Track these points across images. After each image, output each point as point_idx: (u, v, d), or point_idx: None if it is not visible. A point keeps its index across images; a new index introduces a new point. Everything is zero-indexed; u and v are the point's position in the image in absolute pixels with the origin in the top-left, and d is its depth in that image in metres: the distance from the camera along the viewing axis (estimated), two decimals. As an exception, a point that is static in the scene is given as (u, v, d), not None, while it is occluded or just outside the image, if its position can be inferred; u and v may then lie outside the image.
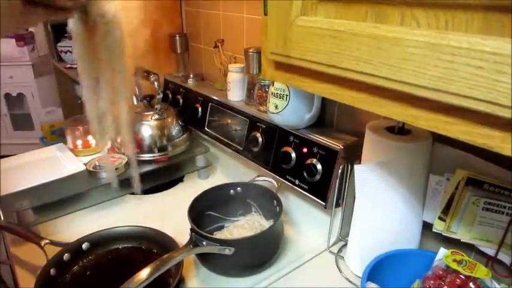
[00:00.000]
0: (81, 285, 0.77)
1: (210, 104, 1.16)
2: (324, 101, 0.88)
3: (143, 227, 0.85)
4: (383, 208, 0.71)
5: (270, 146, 0.94)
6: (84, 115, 0.61)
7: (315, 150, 0.82)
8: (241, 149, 1.03)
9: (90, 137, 1.20)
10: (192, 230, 0.78)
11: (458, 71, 0.33)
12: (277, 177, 0.92)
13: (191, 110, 1.22)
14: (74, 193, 0.99)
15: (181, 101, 1.29)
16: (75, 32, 0.55)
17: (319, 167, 0.82)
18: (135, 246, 0.85)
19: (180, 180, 1.19)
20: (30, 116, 3.20)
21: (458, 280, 0.60)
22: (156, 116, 1.13)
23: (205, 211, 0.91)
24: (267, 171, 0.95)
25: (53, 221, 0.97)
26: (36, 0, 0.46)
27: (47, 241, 0.82)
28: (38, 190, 0.96)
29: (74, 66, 1.91)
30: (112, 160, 1.06)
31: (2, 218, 0.90)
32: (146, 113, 1.14)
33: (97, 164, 1.06)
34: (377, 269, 0.66)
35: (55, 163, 1.09)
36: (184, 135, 1.18)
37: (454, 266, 0.60)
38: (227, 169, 1.21)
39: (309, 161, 0.83)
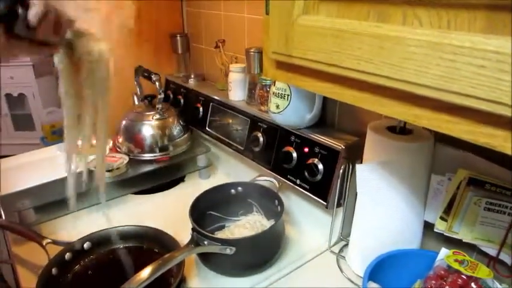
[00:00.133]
0: (82, 284, 0.77)
1: (211, 104, 1.16)
2: (325, 101, 0.88)
3: (144, 227, 0.86)
4: (384, 208, 0.71)
5: (271, 146, 0.94)
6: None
7: (316, 150, 0.82)
8: (242, 148, 1.04)
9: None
10: (193, 229, 0.78)
11: (461, 70, 0.33)
12: (279, 177, 0.92)
13: (192, 110, 1.22)
14: (75, 193, 0.99)
15: (182, 101, 1.29)
16: (60, 68, 0.53)
17: (320, 166, 0.82)
18: (137, 246, 0.85)
19: (181, 180, 1.19)
20: (31, 116, 3.20)
21: (460, 280, 0.59)
22: (157, 116, 1.13)
23: (207, 211, 0.91)
24: (268, 171, 0.95)
25: (55, 220, 0.97)
26: (20, 34, 0.45)
27: (49, 240, 0.82)
28: (39, 190, 0.96)
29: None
30: (113, 160, 1.06)
31: (4, 217, 0.90)
32: (147, 113, 1.14)
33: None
34: (378, 269, 0.66)
35: (56, 163, 1.09)
36: (186, 135, 1.18)
37: (456, 266, 0.60)
38: (228, 169, 1.21)
39: (310, 161, 0.83)
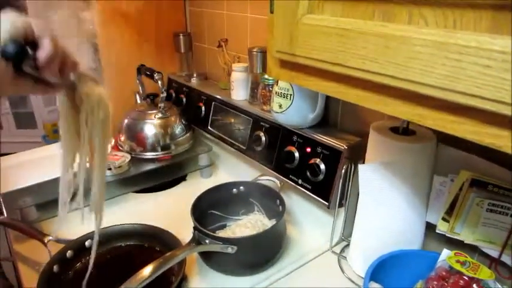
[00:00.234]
0: (83, 282, 0.77)
1: (213, 103, 1.16)
2: (328, 101, 0.88)
3: (146, 225, 0.86)
4: (386, 208, 0.71)
5: (274, 146, 0.94)
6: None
7: (319, 150, 0.82)
8: (244, 148, 1.04)
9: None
10: (195, 228, 0.78)
11: (466, 70, 0.33)
12: (280, 176, 0.92)
13: (194, 109, 1.22)
14: (77, 191, 0.99)
15: (184, 100, 1.29)
16: (61, 108, 0.55)
17: (322, 166, 0.82)
18: (138, 244, 0.85)
19: (183, 178, 1.19)
20: (33, 114, 3.20)
21: (461, 281, 0.59)
22: (160, 115, 1.13)
23: (208, 210, 0.91)
24: (270, 170, 0.95)
25: (56, 218, 0.97)
26: (27, 72, 0.46)
27: (50, 238, 0.82)
28: (41, 187, 0.96)
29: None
30: (115, 158, 1.06)
31: (6, 214, 0.90)
32: (149, 112, 1.14)
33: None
34: (380, 269, 0.66)
35: (58, 161, 1.09)
36: (188, 134, 1.18)
37: (458, 267, 0.60)
38: (230, 168, 1.21)
39: (312, 161, 0.83)
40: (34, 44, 0.45)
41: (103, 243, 0.83)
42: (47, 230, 0.91)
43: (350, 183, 0.79)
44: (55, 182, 0.97)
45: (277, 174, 0.93)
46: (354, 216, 0.79)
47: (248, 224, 0.89)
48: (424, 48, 0.36)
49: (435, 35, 0.35)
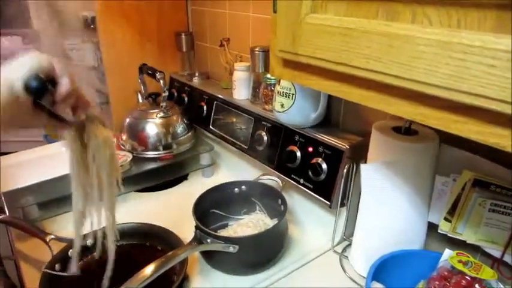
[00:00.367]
0: (85, 281, 0.77)
1: (215, 102, 1.16)
2: (330, 101, 0.88)
3: (148, 224, 0.86)
4: (388, 208, 0.71)
5: (275, 145, 0.94)
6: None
7: (321, 149, 0.82)
8: (246, 147, 1.04)
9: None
10: (196, 227, 0.78)
11: (470, 69, 0.33)
12: (282, 176, 0.92)
13: (196, 109, 1.22)
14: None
15: (186, 99, 1.29)
16: (71, 144, 0.59)
17: (324, 166, 0.82)
18: (140, 243, 0.85)
19: (185, 178, 1.19)
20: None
21: (463, 281, 0.59)
22: (161, 114, 1.13)
23: (210, 209, 0.91)
24: (272, 170, 0.95)
25: (58, 217, 0.97)
26: (45, 105, 0.50)
27: (52, 236, 0.82)
28: (43, 186, 0.96)
29: (79, 64, 1.92)
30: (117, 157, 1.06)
31: (8, 213, 0.90)
32: (151, 111, 1.14)
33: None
34: (381, 269, 0.66)
35: (60, 160, 1.09)
36: (189, 134, 1.18)
37: (460, 267, 0.60)
38: (231, 168, 1.21)
39: (314, 160, 0.83)
40: (54, 81, 0.50)
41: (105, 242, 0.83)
42: (48, 228, 0.91)
43: (352, 182, 0.79)
44: (57, 181, 0.98)
45: (279, 174, 0.93)
46: (356, 216, 0.79)
47: (250, 224, 0.89)
48: (428, 47, 0.36)
49: (439, 34, 0.35)
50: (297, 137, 0.88)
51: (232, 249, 0.74)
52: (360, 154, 0.78)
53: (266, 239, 0.80)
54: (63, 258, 0.77)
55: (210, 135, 1.20)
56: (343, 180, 0.79)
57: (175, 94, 1.35)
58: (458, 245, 0.68)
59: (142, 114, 1.14)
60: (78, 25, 1.81)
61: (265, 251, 0.80)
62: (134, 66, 1.24)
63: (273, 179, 0.97)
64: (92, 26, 1.64)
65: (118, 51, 1.30)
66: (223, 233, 0.87)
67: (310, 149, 0.85)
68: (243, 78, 1.07)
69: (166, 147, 1.13)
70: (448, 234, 0.68)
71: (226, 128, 1.13)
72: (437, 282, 0.62)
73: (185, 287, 0.76)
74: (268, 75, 0.96)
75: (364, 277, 0.76)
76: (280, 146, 0.92)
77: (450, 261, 0.61)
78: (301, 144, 0.87)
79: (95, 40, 1.62)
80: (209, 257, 0.80)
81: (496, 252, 0.64)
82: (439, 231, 0.69)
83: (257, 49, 0.99)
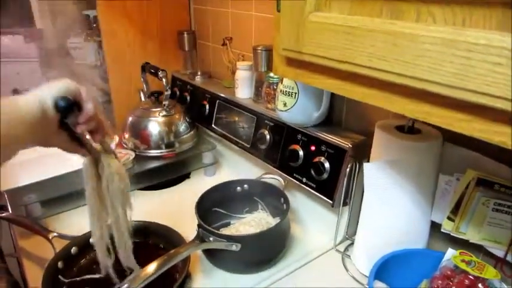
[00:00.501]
0: (88, 278, 0.77)
1: (217, 101, 1.17)
2: (333, 100, 0.88)
3: (150, 222, 0.86)
4: (391, 207, 0.71)
5: (278, 144, 0.94)
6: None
7: (323, 148, 0.82)
8: (248, 146, 1.04)
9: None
10: (199, 225, 0.78)
11: (475, 68, 0.33)
12: (285, 175, 0.92)
13: (198, 107, 1.22)
14: (81, 187, 0.99)
15: (188, 98, 1.29)
16: (87, 171, 0.64)
17: (327, 165, 0.81)
18: (142, 241, 0.85)
19: (187, 176, 1.19)
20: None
21: (466, 281, 0.59)
22: (164, 113, 1.13)
23: (212, 207, 0.91)
24: (274, 169, 0.95)
25: (61, 214, 0.97)
26: (68, 124, 0.56)
27: (55, 234, 0.82)
28: (46, 184, 0.97)
29: (82, 63, 1.92)
30: (120, 155, 1.06)
31: (10, 211, 0.90)
32: (154, 109, 1.14)
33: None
34: (384, 268, 0.66)
35: (63, 157, 1.09)
36: (192, 132, 1.18)
37: (463, 266, 0.59)
38: (234, 166, 1.21)
39: (316, 159, 0.83)
40: (79, 105, 0.56)
41: (108, 240, 0.83)
42: (51, 226, 0.92)
43: (354, 181, 0.79)
44: (60, 178, 0.98)
45: (282, 173, 0.93)
46: (358, 215, 0.79)
47: (252, 222, 0.89)
48: (433, 45, 0.36)
49: (444, 33, 0.35)
50: (299, 136, 0.88)
51: (234, 247, 0.74)
52: (362, 153, 0.78)
53: (268, 238, 0.80)
54: (65, 256, 0.77)
55: (212, 134, 1.20)
56: (345, 179, 0.79)
57: (178, 93, 1.35)
58: (461, 244, 0.67)
59: (144, 112, 1.14)
60: (80, 24, 1.81)
61: (267, 250, 0.81)
62: (136, 65, 1.24)
63: (275, 178, 0.97)
64: (94, 25, 1.64)
65: (120, 50, 1.30)
66: (225, 231, 0.87)
67: (313, 148, 0.85)
68: (245, 77, 1.07)
69: (169, 145, 1.13)
70: (451, 234, 0.67)
71: (228, 126, 1.13)
72: (440, 282, 0.62)
73: (187, 285, 0.76)
74: (271, 74, 0.96)
75: (366, 276, 0.76)
76: (282, 145, 0.92)
77: (453, 260, 0.61)
78: (304, 143, 0.87)
79: (97, 39, 1.63)
80: (211, 255, 0.80)
81: (499, 252, 0.64)
82: (442, 230, 0.69)
83: (260, 48, 0.99)
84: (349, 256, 0.82)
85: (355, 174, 0.79)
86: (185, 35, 1.35)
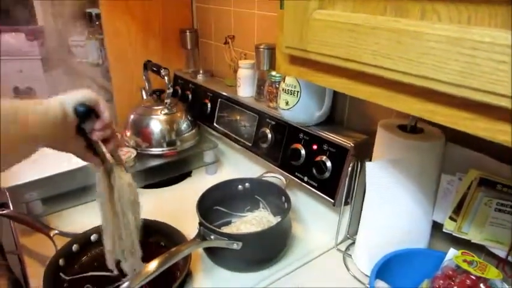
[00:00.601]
0: (89, 276, 0.77)
1: (219, 99, 1.16)
2: (335, 99, 0.88)
3: (151, 220, 0.85)
4: (393, 206, 0.71)
5: (279, 143, 0.93)
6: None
7: (325, 147, 0.82)
8: (250, 145, 1.03)
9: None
10: (200, 223, 0.78)
11: (480, 66, 0.33)
12: (286, 173, 0.92)
13: (200, 106, 1.22)
14: (83, 185, 0.99)
15: (190, 96, 1.29)
16: (100, 182, 0.67)
17: (328, 164, 0.81)
18: (143, 239, 0.85)
19: (188, 175, 1.19)
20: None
21: (468, 281, 0.59)
22: (166, 111, 1.13)
23: (213, 206, 0.91)
24: (276, 167, 0.94)
25: (62, 212, 0.98)
26: (85, 130, 0.60)
27: (56, 232, 0.82)
28: (47, 182, 0.97)
29: (84, 61, 1.93)
30: (121, 153, 1.06)
31: (12, 208, 0.90)
32: (156, 108, 1.14)
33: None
34: (385, 268, 0.66)
35: (64, 155, 1.09)
36: (193, 131, 1.18)
37: (465, 266, 0.59)
38: (235, 165, 1.21)
39: (318, 158, 0.83)
40: (97, 114, 0.60)
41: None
42: (52, 223, 0.92)
43: (356, 181, 0.79)
44: (61, 176, 0.98)
45: (283, 172, 0.93)
46: (360, 214, 0.79)
47: (253, 221, 0.89)
48: (438, 43, 0.35)
49: (449, 31, 0.35)
50: (301, 135, 0.88)
51: (235, 246, 0.74)
52: (364, 152, 0.78)
53: (270, 237, 0.80)
54: (67, 254, 0.77)
55: (214, 132, 1.20)
56: (347, 178, 0.79)
57: (180, 91, 1.35)
58: (462, 244, 0.67)
59: (146, 110, 1.14)
60: (82, 22, 1.81)
61: (268, 249, 0.80)
62: (138, 63, 1.24)
63: (276, 177, 0.97)
64: (96, 23, 1.64)
65: (122, 48, 1.30)
66: (226, 230, 0.87)
67: (315, 147, 0.84)
68: (247, 75, 1.07)
69: (170, 144, 1.13)
70: (453, 234, 0.67)
71: (230, 125, 1.12)
72: (441, 281, 0.62)
73: (188, 283, 0.76)
74: (273, 73, 0.96)
75: (367, 276, 0.76)
76: (284, 144, 0.92)
77: (455, 260, 0.61)
78: (306, 142, 0.87)
79: (99, 37, 1.63)
80: (212, 253, 0.80)
81: (501, 252, 0.64)
82: (444, 230, 0.68)
83: (262, 46, 0.99)
84: (351, 255, 0.82)
85: (357, 174, 0.79)
86: (187, 33, 1.35)
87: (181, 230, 0.82)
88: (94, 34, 1.69)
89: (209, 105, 1.20)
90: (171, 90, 1.13)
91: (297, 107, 0.83)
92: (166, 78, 1.10)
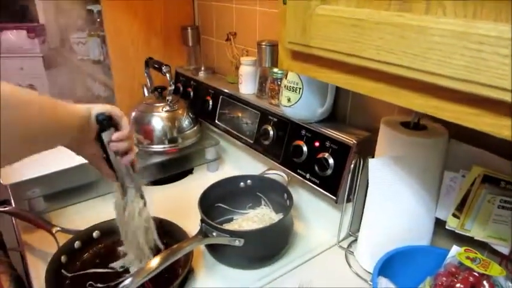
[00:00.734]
0: (91, 272, 0.77)
1: (221, 96, 1.16)
2: (337, 96, 0.88)
3: (153, 217, 0.85)
4: (395, 203, 0.71)
5: (281, 140, 0.93)
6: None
7: (327, 144, 0.82)
8: (251, 142, 1.03)
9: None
10: (202, 220, 0.78)
11: (486, 60, 0.32)
12: (288, 171, 0.91)
13: (202, 103, 1.22)
14: (85, 182, 0.99)
15: (192, 93, 1.29)
16: (116, 205, 0.72)
17: (331, 161, 0.81)
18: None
19: (190, 172, 1.19)
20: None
21: (471, 278, 0.59)
22: (167, 108, 1.13)
23: (215, 203, 0.91)
24: (278, 164, 0.94)
25: (64, 209, 0.98)
26: (103, 138, 0.63)
27: (58, 228, 0.82)
28: (49, 178, 0.96)
29: (85, 58, 1.92)
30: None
31: (14, 205, 0.90)
32: (157, 105, 1.14)
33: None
34: (387, 265, 0.65)
35: (66, 152, 1.09)
36: (195, 128, 1.18)
37: (468, 263, 0.59)
38: (237, 162, 1.20)
39: (320, 155, 0.83)
40: (117, 127, 0.65)
41: (110, 235, 0.83)
42: (55, 220, 0.92)
43: (358, 178, 0.79)
44: (63, 173, 0.98)
45: (285, 169, 0.92)
46: (362, 212, 0.78)
47: (255, 218, 0.89)
48: (443, 38, 0.35)
49: (454, 25, 0.34)
50: (303, 132, 0.87)
51: (237, 242, 0.74)
52: (367, 150, 0.77)
53: (271, 234, 0.79)
54: (69, 250, 0.77)
55: (215, 129, 1.19)
56: (349, 175, 0.78)
57: (181, 88, 1.34)
58: (465, 241, 0.67)
59: (148, 107, 1.14)
60: (83, 19, 1.81)
61: (270, 246, 0.80)
62: (140, 60, 1.24)
63: (278, 174, 0.97)
64: (98, 20, 1.64)
65: (124, 45, 1.29)
66: (228, 227, 0.87)
67: (317, 144, 0.84)
68: (249, 72, 1.07)
69: (172, 141, 1.13)
70: (456, 231, 0.67)
71: (232, 122, 1.12)
72: (444, 279, 0.61)
73: (190, 280, 0.75)
74: (275, 70, 0.96)
75: (369, 273, 0.76)
76: (286, 141, 0.92)
77: (458, 257, 0.61)
78: (308, 139, 0.86)
79: (100, 34, 1.62)
80: (214, 250, 0.80)
81: (504, 249, 0.64)
82: (446, 227, 0.68)
83: (264, 43, 0.98)
84: (353, 253, 0.82)
85: (359, 171, 0.78)
86: (189, 30, 1.35)
87: (183, 227, 0.82)
88: (95, 31, 1.69)
89: (211, 102, 1.19)
90: (172, 87, 1.12)
91: (299, 103, 0.83)
92: (167, 75, 1.10)
